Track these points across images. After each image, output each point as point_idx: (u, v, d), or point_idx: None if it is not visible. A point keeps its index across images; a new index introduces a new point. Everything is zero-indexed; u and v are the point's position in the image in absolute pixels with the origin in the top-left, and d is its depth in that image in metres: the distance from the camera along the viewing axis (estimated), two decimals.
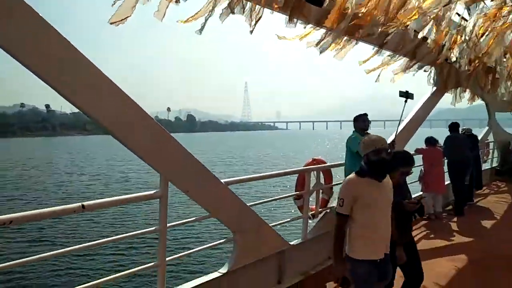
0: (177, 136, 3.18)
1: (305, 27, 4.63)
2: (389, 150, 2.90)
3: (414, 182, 7.63)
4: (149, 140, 2.95)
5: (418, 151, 7.54)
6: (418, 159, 7.56)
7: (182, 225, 3.41)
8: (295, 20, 4.14)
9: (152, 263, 3.02)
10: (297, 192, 4.77)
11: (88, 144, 78.11)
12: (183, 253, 3.39)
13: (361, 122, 5.13)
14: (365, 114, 5.24)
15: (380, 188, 2.81)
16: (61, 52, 2.45)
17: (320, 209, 4.98)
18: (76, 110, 3.16)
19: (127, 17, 2.76)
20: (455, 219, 7.28)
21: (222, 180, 3.52)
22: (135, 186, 22.71)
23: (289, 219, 4.77)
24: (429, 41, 6.53)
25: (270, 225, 4.14)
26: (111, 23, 2.77)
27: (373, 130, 5.35)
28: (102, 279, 2.71)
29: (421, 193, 7.30)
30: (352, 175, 2.88)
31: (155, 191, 3.03)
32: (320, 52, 4.89)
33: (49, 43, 2.39)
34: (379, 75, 6.65)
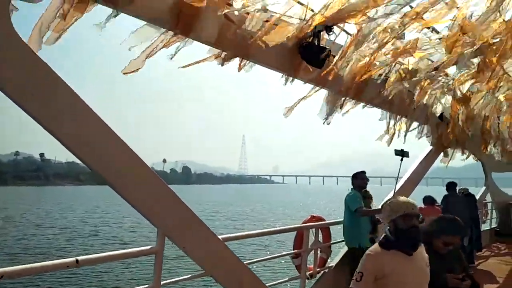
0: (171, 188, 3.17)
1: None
2: (420, 217, 2.51)
3: None
4: (148, 193, 2.94)
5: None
6: None
7: (176, 282, 3.29)
8: (293, 79, 4.34)
9: None
10: (295, 251, 4.68)
11: (76, 195, 74.82)
12: None
13: (360, 179, 5.18)
14: (363, 172, 5.30)
15: (413, 263, 2.28)
16: (64, 101, 2.51)
17: (318, 269, 4.84)
18: (71, 160, 3.18)
19: (139, 68, 2.95)
20: None
21: (220, 237, 3.46)
22: (101, 242, 21.56)
23: (286, 279, 4.61)
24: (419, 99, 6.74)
25: (267, 285, 4.01)
26: (124, 73, 2.94)
27: (369, 187, 5.39)
28: None
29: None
30: (375, 246, 2.37)
31: (150, 246, 2.96)
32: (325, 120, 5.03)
33: (54, 92, 2.46)
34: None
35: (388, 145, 6.62)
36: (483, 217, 11.78)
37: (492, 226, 12.24)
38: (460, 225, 2.77)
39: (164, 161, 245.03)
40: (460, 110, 7.75)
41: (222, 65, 3.78)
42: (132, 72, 3.01)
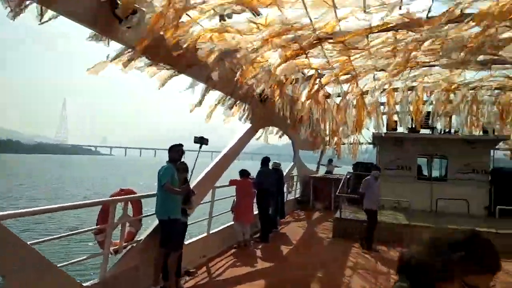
0: None
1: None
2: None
3: (227, 212, 8.01)
4: None
5: (231, 182, 8.01)
6: (232, 190, 8.03)
7: None
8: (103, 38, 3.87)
9: None
10: (98, 226, 4.28)
11: None
12: None
13: (175, 152, 5.10)
14: (180, 145, 5.24)
15: None
16: None
17: (125, 244, 4.59)
18: None
19: None
20: (261, 246, 7.88)
21: None
22: None
23: (84, 257, 4.19)
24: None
25: (60, 265, 3.56)
26: None
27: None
28: None
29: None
30: None
31: None
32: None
33: None
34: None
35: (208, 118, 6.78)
36: (290, 188, 13.61)
37: (296, 196, 14.26)
38: (494, 254, 1.31)
39: None
40: (277, 93, 8.54)
41: (15, 12, 3.08)
42: None
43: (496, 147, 12.54)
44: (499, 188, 11.15)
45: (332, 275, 6.20)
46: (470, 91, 10.19)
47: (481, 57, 7.41)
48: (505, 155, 15.57)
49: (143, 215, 4.92)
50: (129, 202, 4.65)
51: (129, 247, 4.67)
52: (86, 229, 4.45)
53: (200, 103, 6.17)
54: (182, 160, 5.29)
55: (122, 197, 4.57)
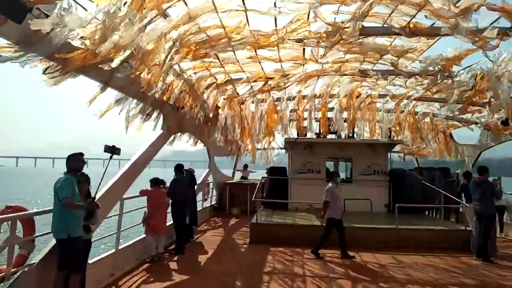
0: None
1: None
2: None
3: (138, 224, 7.53)
4: None
5: (142, 192, 7.54)
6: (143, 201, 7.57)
7: None
8: None
9: None
10: None
11: None
12: None
13: (75, 161, 4.59)
14: (80, 154, 4.73)
15: None
16: None
17: (14, 269, 3.97)
18: None
19: None
20: (176, 258, 7.51)
21: None
22: None
23: None
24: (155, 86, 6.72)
25: None
26: None
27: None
28: None
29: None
30: None
31: None
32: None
33: None
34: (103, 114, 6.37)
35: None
36: (206, 196, 13.40)
37: (212, 203, 14.10)
38: None
39: None
40: (190, 99, 8.35)
41: None
42: None
43: (393, 150, 13.84)
44: (395, 187, 12.28)
45: (251, 281, 6.14)
46: (370, 99, 11.10)
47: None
48: (399, 157, 17.35)
49: (36, 234, 4.31)
50: (17, 221, 4.04)
51: (19, 272, 4.04)
52: None
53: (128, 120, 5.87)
54: (82, 171, 4.81)
55: (8, 215, 3.95)
